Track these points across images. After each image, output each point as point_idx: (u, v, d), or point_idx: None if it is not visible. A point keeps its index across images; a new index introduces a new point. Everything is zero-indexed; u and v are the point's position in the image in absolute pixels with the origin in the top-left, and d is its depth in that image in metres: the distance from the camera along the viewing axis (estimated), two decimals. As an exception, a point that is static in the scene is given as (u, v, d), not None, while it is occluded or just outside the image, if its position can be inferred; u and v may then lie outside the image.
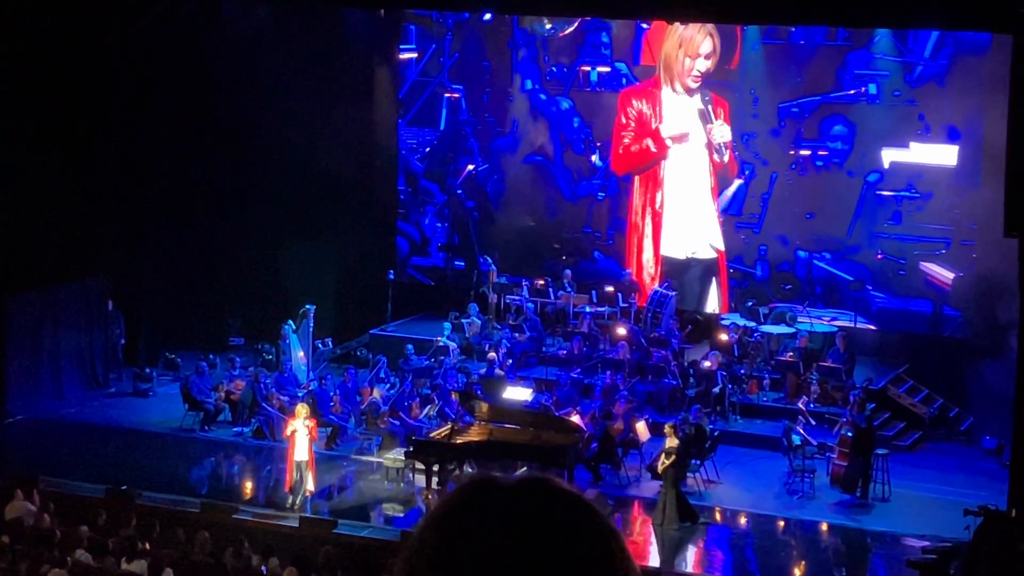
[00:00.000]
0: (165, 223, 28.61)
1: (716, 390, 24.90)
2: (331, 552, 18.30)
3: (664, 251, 29.40)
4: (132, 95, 27.06)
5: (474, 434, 22.15)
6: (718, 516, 21.84)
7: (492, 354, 26.11)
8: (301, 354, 26.69)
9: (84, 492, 21.27)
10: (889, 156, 27.49)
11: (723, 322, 27.59)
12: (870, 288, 27.93)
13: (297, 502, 21.23)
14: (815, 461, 22.45)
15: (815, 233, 28.44)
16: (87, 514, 19.42)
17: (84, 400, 26.67)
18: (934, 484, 22.86)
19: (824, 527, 21.49)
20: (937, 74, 27.18)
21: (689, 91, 28.71)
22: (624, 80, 29.88)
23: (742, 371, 25.89)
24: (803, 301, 28.04)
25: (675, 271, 29.16)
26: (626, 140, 29.38)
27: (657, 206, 29.35)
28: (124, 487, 20.96)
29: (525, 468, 21.55)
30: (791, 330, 26.74)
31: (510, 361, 26.20)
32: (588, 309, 27.94)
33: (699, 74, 28.54)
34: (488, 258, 29.69)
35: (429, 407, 24.10)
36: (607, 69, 29.99)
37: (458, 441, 21.97)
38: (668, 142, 29.01)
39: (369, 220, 30.68)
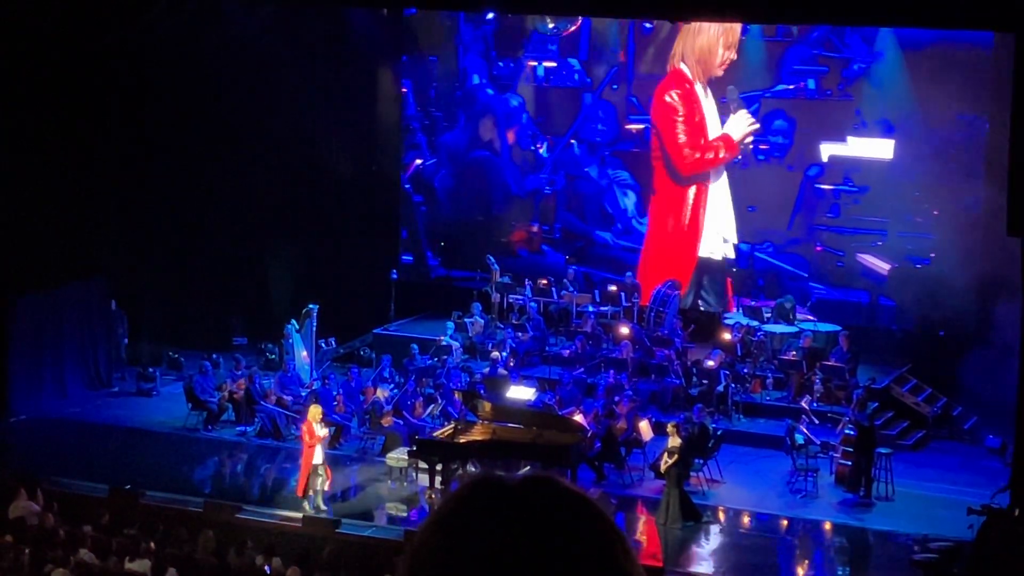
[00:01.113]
0: (168, 223, 28.63)
1: (719, 389, 24.90)
2: (335, 551, 18.33)
3: (701, 252, 29.37)
4: (133, 95, 27.07)
5: (477, 433, 22.15)
6: (721, 515, 21.83)
7: (495, 353, 26.11)
8: (304, 353, 26.70)
9: (87, 491, 21.29)
10: (828, 150, 28.17)
11: (726, 321, 27.59)
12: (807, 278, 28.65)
13: (320, 504, 21.19)
14: (818, 460, 22.45)
15: (757, 226, 29.00)
16: (90, 513, 19.44)
17: (88, 400, 26.69)
18: (937, 483, 22.85)
19: (827, 526, 21.49)
20: (872, 69, 27.87)
21: (711, 85, 28.69)
22: (576, 76, 30.30)
23: (745, 370, 25.88)
24: (746, 293, 28.67)
25: (707, 271, 29.26)
26: (682, 139, 29.06)
27: (701, 208, 29.29)
28: (127, 486, 20.99)
29: (528, 467, 21.52)
30: (794, 329, 26.74)
31: (513, 361, 26.19)
32: (591, 308, 27.94)
33: (723, 63, 28.52)
34: (491, 257, 29.72)
35: (432, 406, 24.11)
36: (554, 64, 30.41)
37: (461, 440, 21.98)
38: (742, 146, 28.69)
39: (372, 219, 30.69)
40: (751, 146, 28.55)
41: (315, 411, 21.62)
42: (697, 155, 28.86)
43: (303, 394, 25.21)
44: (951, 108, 26.93)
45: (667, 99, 29.05)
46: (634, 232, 30.26)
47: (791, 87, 28.43)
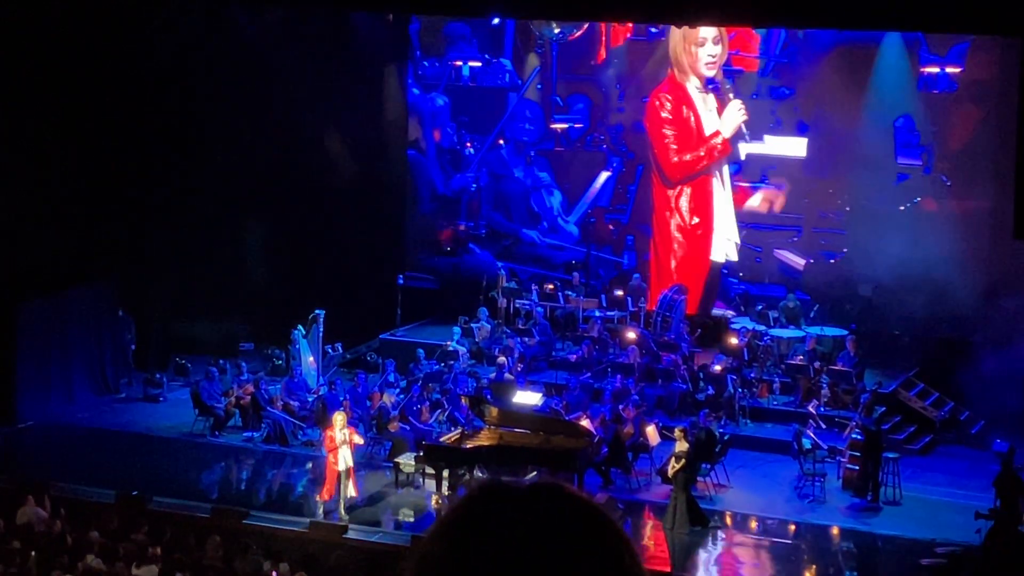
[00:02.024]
0: (175, 228, 28.61)
1: (726, 394, 24.87)
2: (342, 557, 18.33)
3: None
4: (140, 100, 27.08)
5: (484, 439, 22.13)
6: (728, 520, 21.81)
7: (502, 358, 26.10)
8: (311, 359, 26.70)
9: (95, 497, 21.30)
10: (745, 148, 28.76)
11: (733, 326, 27.57)
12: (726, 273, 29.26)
13: (342, 511, 21.22)
14: (826, 465, 22.42)
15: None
16: (98, 519, 19.44)
17: (94, 405, 26.69)
18: (945, 487, 22.82)
19: (835, 531, 21.47)
20: (786, 71, 28.64)
21: (705, 83, 28.68)
22: (507, 76, 30.60)
23: (752, 375, 25.86)
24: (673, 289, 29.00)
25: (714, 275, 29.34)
26: (673, 146, 29.09)
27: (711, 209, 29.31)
28: (135, 492, 20.99)
29: (535, 473, 21.53)
30: (801, 334, 26.71)
31: (520, 366, 26.18)
32: (598, 313, 27.92)
33: (712, 60, 28.54)
34: (499, 263, 29.73)
35: (439, 412, 24.10)
36: (478, 64, 30.86)
37: (468, 446, 21.95)
38: (729, 144, 28.81)
39: (378, 224, 30.69)
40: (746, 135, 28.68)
41: (340, 418, 21.65)
42: (687, 157, 28.89)
43: (310, 400, 25.21)
44: (861, 107, 27.67)
45: (656, 104, 29.09)
46: (561, 231, 30.78)
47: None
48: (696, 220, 29.06)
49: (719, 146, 28.58)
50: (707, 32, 28.14)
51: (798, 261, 28.91)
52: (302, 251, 29.37)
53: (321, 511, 21.36)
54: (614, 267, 30.23)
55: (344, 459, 21.28)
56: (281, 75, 28.61)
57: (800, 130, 28.48)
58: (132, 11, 26.15)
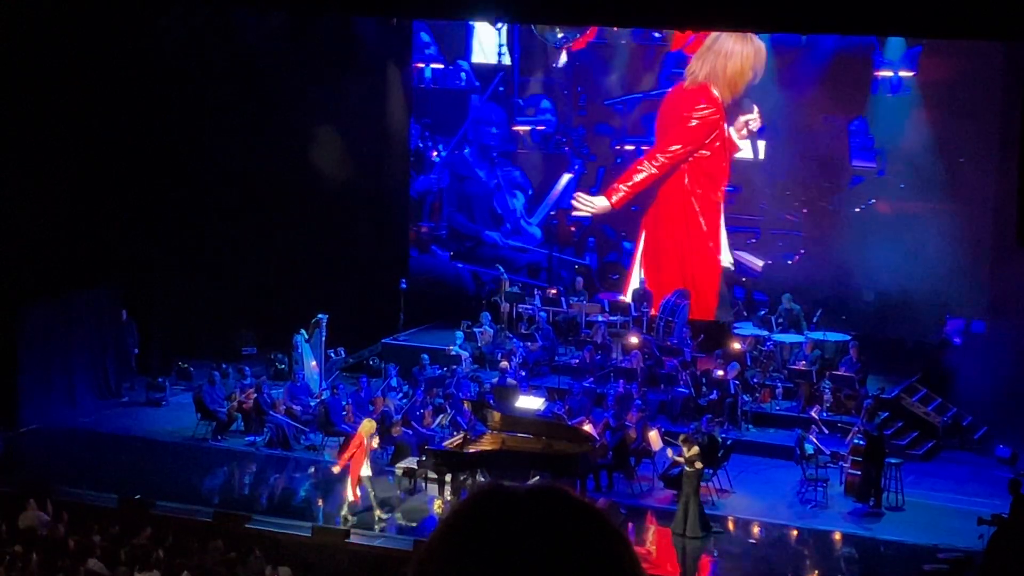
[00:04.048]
0: (178, 232, 28.64)
1: (729, 400, 24.85)
2: (343, 561, 18.33)
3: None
4: (144, 104, 27.10)
5: (487, 443, 22.14)
6: (731, 525, 21.80)
7: (505, 363, 26.11)
8: (313, 363, 26.71)
9: (97, 501, 21.32)
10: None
11: (736, 331, 27.57)
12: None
13: (348, 515, 21.26)
14: (828, 470, 22.41)
15: (640, 224, 29.93)
16: (100, 523, 19.45)
17: (97, 409, 26.70)
18: (948, 493, 22.80)
19: (837, 536, 21.45)
20: None
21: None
22: (464, 76, 30.87)
23: (755, 380, 25.85)
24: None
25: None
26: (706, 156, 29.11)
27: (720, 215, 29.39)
28: (137, 496, 20.99)
29: (537, 477, 21.52)
30: (802, 339, 26.71)
31: (524, 372, 26.18)
32: (601, 318, 27.92)
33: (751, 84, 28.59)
34: (500, 267, 29.76)
35: (441, 416, 24.10)
36: (440, 66, 31.07)
37: (471, 450, 21.96)
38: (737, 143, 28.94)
39: (381, 228, 30.72)
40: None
41: (369, 425, 21.65)
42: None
43: (312, 404, 25.22)
44: (817, 110, 28.06)
45: (696, 115, 28.81)
46: (523, 232, 30.99)
47: (669, 90, 29.36)
48: (708, 225, 29.08)
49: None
50: (752, 60, 28.08)
51: (756, 262, 29.22)
52: (305, 255, 29.38)
53: (344, 513, 21.34)
54: (575, 268, 30.49)
55: (367, 464, 21.36)
56: (284, 80, 28.63)
57: (758, 132, 28.77)
58: (136, 17, 26.17)
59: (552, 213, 30.80)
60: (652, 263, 29.65)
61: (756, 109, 28.30)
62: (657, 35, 29.36)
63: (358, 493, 21.35)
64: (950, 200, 26.63)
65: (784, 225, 28.87)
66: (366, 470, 21.37)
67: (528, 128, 30.84)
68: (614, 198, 29.75)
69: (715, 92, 28.51)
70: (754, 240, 29.20)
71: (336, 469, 21.80)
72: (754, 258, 29.23)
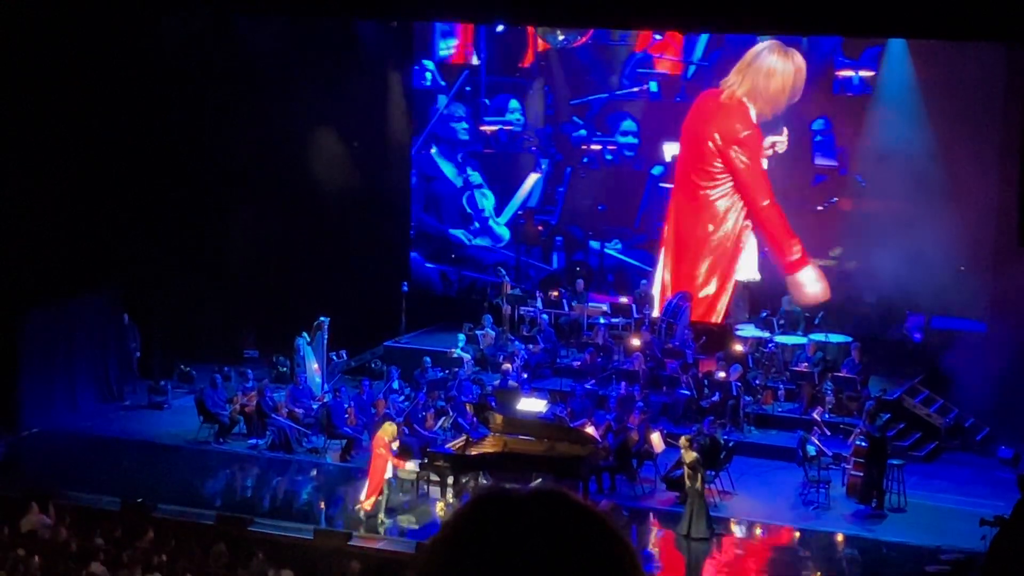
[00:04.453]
0: (179, 235, 28.64)
1: (731, 401, 24.84)
2: (346, 564, 18.31)
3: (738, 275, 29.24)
4: (145, 106, 27.12)
5: (489, 446, 22.14)
6: (734, 527, 21.80)
7: (507, 365, 26.11)
8: (315, 366, 26.71)
9: (99, 505, 21.32)
10: (670, 150, 29.40)
11: (737, 333, 27.56)
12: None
13: (383, 518, 21.29)
14: (830, 472, 22.41)
15: (606, 224, 30.29)
16: (102, 527, 19.46)
17: (99, 413, 26.70)
18: (950, 494, 22.78)
19: (840, 538, 21.45)
20: (708, 73, 29.01)
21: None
22: (429, 76, 31.08)
23: (757, 382, 25.84)
24: (596, 288, 29.68)
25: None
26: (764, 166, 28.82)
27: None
28: (139, 500, 21.00)
29: (540, 480, 21.53)
30: (805, 340, 26.70)
31: (526, 374, 26.17)
32: (603, 320, 27.92)
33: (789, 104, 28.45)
34: (502, 270, 29.77)
35: (443, 419, 24.09)
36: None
37: (473, 453, 21.96)
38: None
39: (383, 231, 30.72)
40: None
41: (390, 428, 21.65)
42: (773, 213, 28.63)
43: (314, 407, 25.22)
44: (781, 109, 28.18)
45: (742, 136, 28.43)
46: (492, 232, 31.17)
47: (635, 90, 29.67)
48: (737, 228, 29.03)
49: (793, 260, 28.39)
50: (792, 80, 27.87)
51: None
52: (306, 258, 29.38)
53: (362, 515, 21.34)
54: (576, 270, 30.58)
55: (389, 467, 21.38)
56: (285, 82, 28.64)
57: None
58: (137, 20, 26.18)
59: (520, 213, 31.02)
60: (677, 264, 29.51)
61: (785, 131, 28.15)
62: (622, 36, 29.57)
63: (375, 499, 21.32)
64: (951, 202, 26.61)
65: None
66: (389, 473, 21.39)
67: (495, 128, 31.02)
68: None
69: (752, 110, 28.25)
70: None
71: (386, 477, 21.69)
72: None
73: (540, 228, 30.95)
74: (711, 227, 28.88)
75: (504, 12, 25.95)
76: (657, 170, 29.64)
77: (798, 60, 27.76)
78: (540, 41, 30.33)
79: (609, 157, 30.22)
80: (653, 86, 29.65)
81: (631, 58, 29.80)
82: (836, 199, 28.28)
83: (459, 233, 31.30)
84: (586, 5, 23.98)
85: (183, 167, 28.38)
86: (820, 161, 28.43)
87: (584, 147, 30.30)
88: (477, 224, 31.17)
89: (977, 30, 21.67)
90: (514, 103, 30.92)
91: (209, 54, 27.83)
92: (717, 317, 28.63)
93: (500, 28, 30.06)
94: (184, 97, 27.89)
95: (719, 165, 28.57)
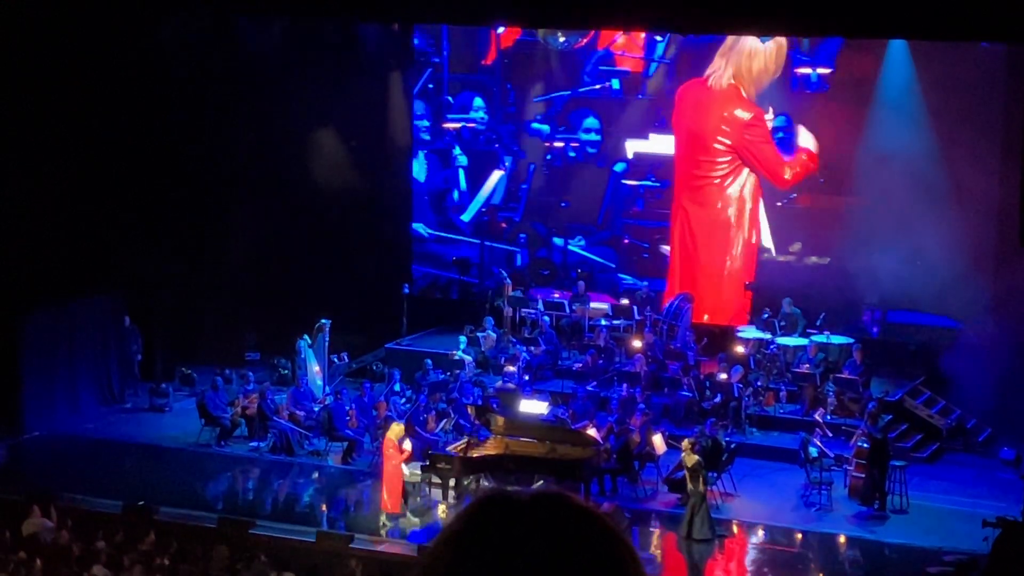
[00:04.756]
0: (181, 238, 28.65)
1: (733, 403, 24.83)
2: (348, 567, 18.31)
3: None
4: (146, 109, 27.12)
5: (490, 448, 22.14)
6: (736, 529, 21.79)
7: (509, 367, 26.09)
8: (317, 368, 26.71)
9: (101, 508, 21.31)
10: (632, 147, 29.83)
11: (739, 334, 27.53)
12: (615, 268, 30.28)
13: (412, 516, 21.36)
14: (832, 473, 22.40)
15: (569, 220, 30.64)
16: (104, 530, 19.45)
17: (101, 416, 26.70)
18: (952, 496, 22.78)
19: (842, 539, 21.44)
20: (668, 70, 29.55)
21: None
22: None
23: (759, 383, 25.82)
24: (559, 286, 29.94)
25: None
26: (772, 155, 28.64)
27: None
28: (141, 503, 21.00)
29: (541, 482, 21.52)
30: (806, 342, 26.69)
31: (527, 376, 26.17)
32: (604, 322, 27.92)
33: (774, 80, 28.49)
34: (503, 271, 29.78)
35: (445, 421, 24.08)
36: None
37: (474, 455, 21.96)
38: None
39: (383, 233, 30.72)
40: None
41: (397, 429, 21.64)
42: (797, 169, 28.45)
43: (316, 409, 25.22)
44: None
45: (748, 120, 28.44)
46: (455, 228, 31.51)
47: (597, 87, 29.98)
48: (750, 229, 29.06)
49: (809, 160, 28.33)
50: (774, 57, 27.93)
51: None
52: (307, 260, 29.38)
53: (382, 521, 21.34)
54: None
55: (406, 468, 21.39)
56: (286, 85, 28.65)
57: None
58: (140, 23, 26.18)
59: (483, 210, 31.21)
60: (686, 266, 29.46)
61: (771, 109, 28.29)
62: (584, 33, 29.76)
63: (396, 501, 21.33)
64: (952, 202, 26.61)
65: None
66: (407, 473, 21.38)
67: (459, 125, 31.23)
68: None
69: (743, 92, 28.31)
70: None
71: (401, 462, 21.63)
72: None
73: (504, 225, 31.24)
74: (731, 211, 28.83)
75: (505, 15, 25.95)
76: (620, 167, 30.08)
77: (778, 37, 27.75)
78: (503, 38, 30.58)
79: (572, 154, 30.58)
80: (615, 83, 30.03)
81: (592, 55, 30.11)
82: (795, 195, 28.58)
83: (419, 227, 31.53)
84: (586, 8, 23.97)
85: (184, 169, 28.37)
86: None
87: (547, 144, 30.59)
88: (439, 220, 31.47)
89: (977, 30, 21.67)
90: (478, 100, 31.11)
91: (209, 55, 27.83)
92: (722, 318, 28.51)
93: (501, 30, 30.07)
94: (185, 98, 27.90)
95: (721, 147, 28.63)
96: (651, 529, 21.93)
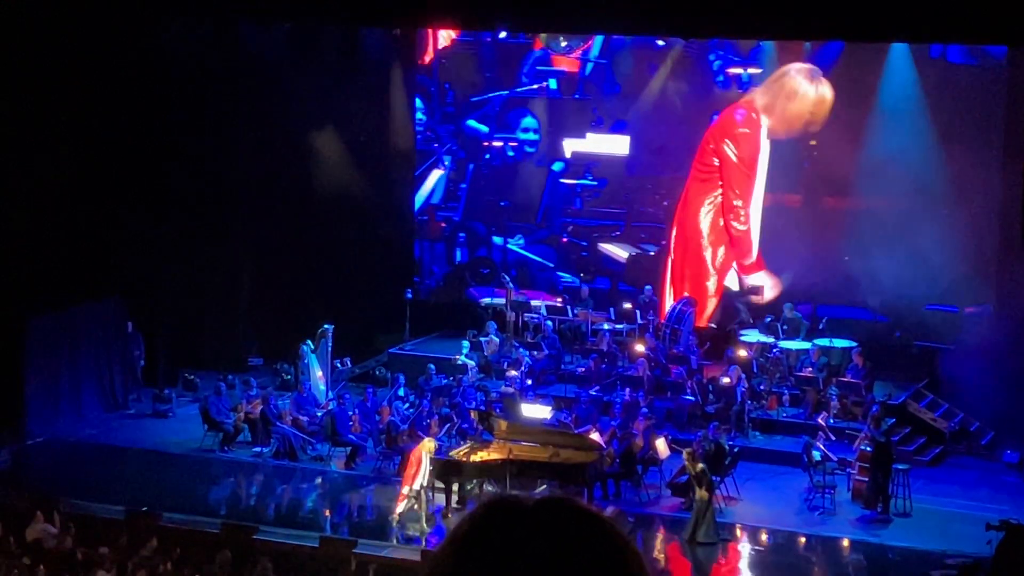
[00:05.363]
0: (184, 243, 28.65)
1: (736, 407, 24.82)
2: (352, 572, 18.29)
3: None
4: (149, 114, 27.14)
5: (493, 452, 22.13)
6: (739, 533, 21.78)
7: (512, 372, 26.09)
8: (320, 374, 26.70)
9: (104, 513, 21.29)
10: (570, 146, 30.25)
11: (742, 338, 27.52)
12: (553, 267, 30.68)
13: (426, 526, 21.32)
14: (835, 477, 22.39)
15: (509, 219, 31.02)
16: (108, 535, 19.45)
17: (104, 421, 26.70)
18: (955, 499, 22.77)
19: (845, 543, 21.43)
20: (606, 71, 29.99)
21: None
22: None
23: (762, 387, 25.81)
24: (499, 284, 29.99)
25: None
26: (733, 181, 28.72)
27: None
28: (144, 508, 20.98)
29: (545, 486, 21.52)
30: (808, 345, 26.68)
31: (530, 381, 26.15)
32: (607, 327, 27.91)
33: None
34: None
35: (448, 426, 24.08)
36: None
37: (477, 460, 21.95)
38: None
39: (386, 238, 30.72)
40: None
41: (430, 445, 21.64)
42: (741, 219, 28.41)
43: (319, 415, 25.21)
44: (679, 105, 29.07)
45: (736, 132, 28.43)
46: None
47: (535, 87, 30.39)
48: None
49: (746, 265, 28.55)
50: (811, 110, 27.65)
51: (620, 254, 30.38)
52: (310, 265, 29.37)
53: (395, 527, 21.37)
54: (447, 262, 31.39)
55: (421, 480, 21.39)
56: (288, 90, 28.65)
57: (619, 128, 29.81)
58: (142, 28, 26.20)
59: (423, 209, 31.54)
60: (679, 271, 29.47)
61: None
62: (522, 35, 30.00)
63: (403, 507, 21.35)
64: (954, 203, 26.63)
65: (646, 218, 30.15)
66: (417, 483, 21.38)
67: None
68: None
69: (764, 120, 28.18)
70: (618, 233, 30.46)
71: (405, 491, 21.60)
72: (618, 250, 30.46)
73: (443, 225, 31.52)
74: (722, 221, 28.88)
75: (507, 20, 25.96)
76: (558, 166, 30.56)
77: (824, 89, 27.42)
78: (440, 39, 30.83)
79: (511, 153, 30.94)
80: (553, 83, 30.39)
81: (529, 55, 30.41)
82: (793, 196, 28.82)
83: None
84: (589, 12, 23.98)
85: (187, 175, 28.38)
86: None
87: (486, 143, 30.90)
88: None
89: (979, 33, 21.67)
90: (417, 101, 31.30)
91: (211, 58, 27.83)
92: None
93: (503, 35, 30.08)
94: (188, 103, 27.91)
95: (715, 162, 28.71)
96: (654, 533, 21.91)
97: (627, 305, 28.67)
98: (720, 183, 28.66)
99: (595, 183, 30.41)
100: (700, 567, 20.59)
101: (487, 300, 29.80)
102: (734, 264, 28.79)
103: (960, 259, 26.44)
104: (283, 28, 28.62)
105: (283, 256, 29.40)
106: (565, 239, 30.81)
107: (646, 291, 29.06)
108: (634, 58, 29.56)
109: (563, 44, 30.20)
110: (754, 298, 28.44)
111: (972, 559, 19.68)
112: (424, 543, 20.79)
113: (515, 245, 31.11)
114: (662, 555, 21.28)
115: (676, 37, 28.18)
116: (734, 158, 28.38)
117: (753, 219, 28.54)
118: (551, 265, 30.70)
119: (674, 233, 29.17)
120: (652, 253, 30.05)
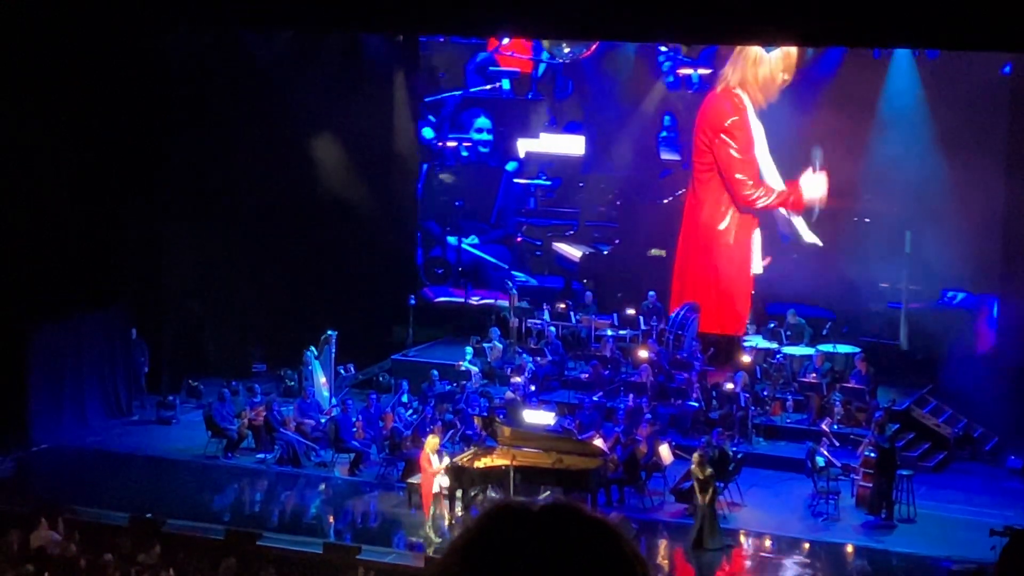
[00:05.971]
0: (187, 251, 28.66)
1: (739, 413, 24.81)
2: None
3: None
4: (153, 123, 27.16)
5: (497, 459, 22.12)
6: (743, 539, 21.77)
7: (516, 378, 26.09)
8: (323, 380, 26.71)
9: (109, 520, 21.31)
10: (524, 146, 30.55)
11: (745, 344, 27.52)
12: (508, 268, 31.00)
13: (433, 532, 21.31)
14: (839, 482, 22.38)
15: (463, 219, 31.34)
16: (112, 542, 19.45)
17: (107, 428, 26.71)
18: (959, 505, 22.75)
19: (849, 549, 21.41)
20: (559, 72, 30.33)
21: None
22: None
23: (765, 393, 25.81)
24: (455, 283, 30.73)
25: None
26: (739, 174, 28.48)
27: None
28: (148, 515, 20.99)
29: (548, 492, 21.51)
30: (812, 351, 26.67)
31: (533, 387, 26.15)
32: (610, 332, 27.91)
33: (783, 85, 28.19)
34: (509, 282, 29.80)
35: (452, 432, 24.08)
36: None
37: (481, 466, 21.94)
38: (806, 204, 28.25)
39: (390, 245, 30.74)
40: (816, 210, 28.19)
41: (433, 441, 21.65)
42: (760, 192, 28.41)
43: (322, 421, 25.22)
44: (632, 105, 29.41)
45: (726, 125, 28.47)
46: None
47: (487, 87, 30.74)
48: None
49: (791, 198, 28.24)
50: (781, 62, 27.78)
51: (574, 253, 30.74)
52: (314, 271, 29.38)
53: (426, 532, 21.37)
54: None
55: (439, 482, 21.38)
56: (292, 96, 28.63)
57: (572, 128, 30.13)
58: (145, 36, 26.22)
59: None
60: (680, 275, 29.49)
61: (823, 174, 27.81)
62: (590, 45, 29.98)
63: (426, 510, 21.38)
64: (957, 208, 26.60)
65: (600, 217, 30.50)
66: (437, 487, 21.40)
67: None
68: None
69: (746, 99, 28.29)
70: (572, 232, 30.80)
71: (435, 489, 21.62)
72: (572, 249, 30.79)
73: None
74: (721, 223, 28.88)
75: (511, 27, 25.96)
76: (511, 166, 30.86)
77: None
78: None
79: (465, 154, 31.22)
80: (506, 84, 30.68)
81: (476, 56, 30.79)
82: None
83: None
84: (592, 19, 23.97)
85: (191, 183, 28.39)
86: (666, 155, 29.53)
87: (440, 144, 31.14)
88: None
89: (983, 40, 21.66)
90: None
91: (214, 64, 27.84)
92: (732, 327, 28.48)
93: (505, 41, 30.12)
94: (190, 108, 27.91)
95: (707, 153, 28.78)
96: (658, 539, 21.90)
97: (631, 311, 28.65)
98: (723, 176, 28.63)
99: (549, 183, 30.81)
100: (704, 573, 20.57)
101: (443, 299, 30.28)
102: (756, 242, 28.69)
103: (963, 268, 26.43)
104: (287, 36, 28.62)
105: (286, 262, 29.40)
106: (519, 238, 31.18)
107: (650, 297, 29.04)
108: (592, 58, 29.81)
109: (566, 51, 30.17)
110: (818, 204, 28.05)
111: (976, 565, 19.66)
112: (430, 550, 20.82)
113: (469, 245, 31.40)
114: (666, 561, 21.27)
115: (680, 43, 28.24)
116: (735, 153, 28.39)
117: (774, 183, 28.37)
118: (505, 266, 30.94)
119: (684, 236, 29.18)
120: (606, 252, 30.50)
